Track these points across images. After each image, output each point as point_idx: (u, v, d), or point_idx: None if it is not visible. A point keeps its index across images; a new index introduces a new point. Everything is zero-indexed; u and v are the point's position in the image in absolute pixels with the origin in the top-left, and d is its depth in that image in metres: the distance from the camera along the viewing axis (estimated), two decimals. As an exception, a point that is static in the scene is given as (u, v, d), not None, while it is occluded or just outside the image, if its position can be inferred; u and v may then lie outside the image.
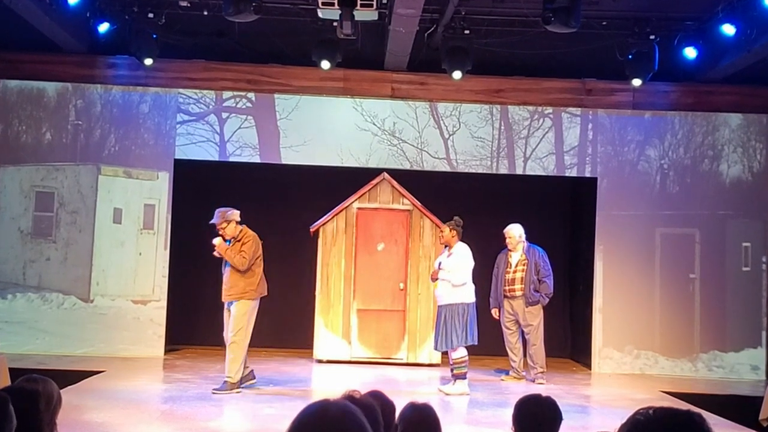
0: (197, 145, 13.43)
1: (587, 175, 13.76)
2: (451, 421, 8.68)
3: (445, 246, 10.91)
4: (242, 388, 10.20)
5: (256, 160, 13.57)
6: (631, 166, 13.70)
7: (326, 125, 13.47)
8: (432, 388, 10.98)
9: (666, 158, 13.68)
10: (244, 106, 13.56)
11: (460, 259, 10.59)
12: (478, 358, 12.20)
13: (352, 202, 12.95)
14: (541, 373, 11.85)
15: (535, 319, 11.90)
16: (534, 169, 13.68)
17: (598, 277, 13.46)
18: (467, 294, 10.56)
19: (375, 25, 12.13)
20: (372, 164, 13.44)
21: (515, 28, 12.21)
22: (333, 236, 12.97)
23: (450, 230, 10.70)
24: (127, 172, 13.33)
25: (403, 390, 10.53)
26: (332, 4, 10.59)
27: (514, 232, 11.98)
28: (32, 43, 12.70)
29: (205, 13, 12.07)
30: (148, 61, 12.41)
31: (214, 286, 14.27)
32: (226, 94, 13.52)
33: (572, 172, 13.80)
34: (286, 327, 14.12)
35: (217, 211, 10.33)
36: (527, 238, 12.06)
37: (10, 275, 13.12)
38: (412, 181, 13.27)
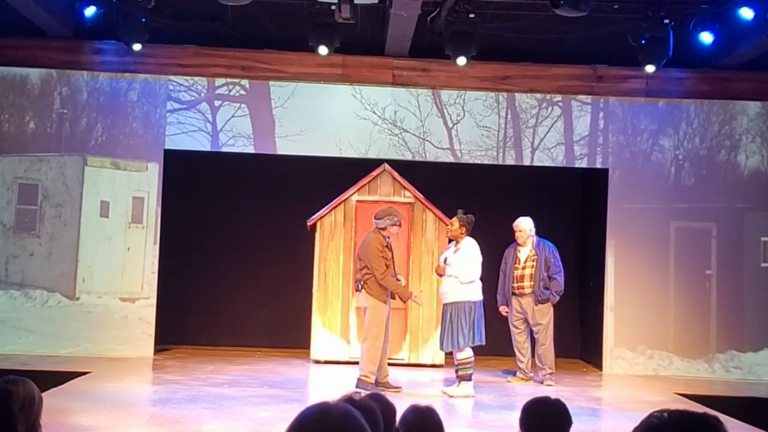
0: (188, 134, 13.43)
1: (598, 166, 13.75)
2: (455, 424, 8.69)
3: (451, 240, 10.92)
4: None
5: (250, 150, 13.57)
6: (644, 157, 13.69)
7: (324, 114, 13.46)
8: (435, 390, 10.99)
9: (681, 148, 13.67)
10: (237, 94, 13.56)
11: (467, 254, 10.58)
12: (484, 358, 12.20)
13: (351, 194, 12.95)
14: (550, 374, 11.86)
15: (544, 317, 11.90)
16: (542, 159, 13.68)
17: (610, 274, 13.46)
18: (474, 292, 10.55)
19: (375, 8, 12.14)
20: (372, 155, 13.44)
21: (522, 11, 12.21)
22: (331, 230, 12.97)
23: (459, 225, 10.67)
24: (114, 163, 13.32)
25: (405, 392, 10.56)
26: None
27: (525, 225, 11.97)
28: (14, 28, 12.68)
29: (197, -5, 12.08)
30: (137, 47, 12.40)
31: (206, 283, 14.36)
32: (219, 81, 13.51)
33: (582, 163, 13.80)
34: (282, 326, 14.15)
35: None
36: (535, 233, 12.07)
37: (-8, 271, 13.15)
38: (414, 172, 13.27)
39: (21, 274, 13.15)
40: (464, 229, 10.66)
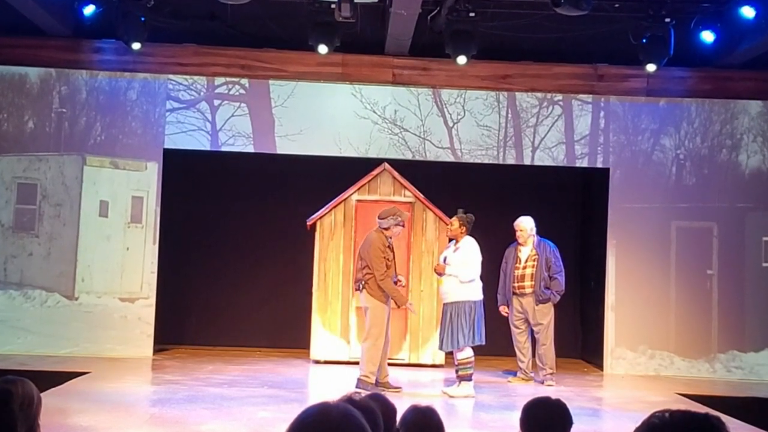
0: (188, 134, 13.42)
1: (599, 165, 13.75)
2: (455, 424, 8.68)
3: (451, 239, 10.91)
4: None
5: (250, 149, 13.57)
6: (645, 156, 13.69)
7: (324, 113, 13.46)
8: (435, 390, 10.99)
9: (682, 148, 13.67)
10: (237, 93, 13.55)
11: (467, 254, 10.57)
12: (485, 358, 12.20)
13: (351, 194, 12.95)
14: (551, 374, 11.85)
15: (545, 317, 11.89)
16: (543, 159, 13.68)
17: (611, 274, 13.46)
18: (474, 291, 10.55)
19: (375, 7, 12.14)
20: (372, 154, 13.43)
21: (523, 10, 12.20)
22: (331, 230, 12.97)
23: (459, 225, 10.66)
24: (113, 163, 13.32)
25: (405, 392, 10.56)
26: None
27: (526, 224, 11.96)
28: (13, 26, 12.68)
29: (196, -6, 12.07)
30: (136, 46, 12.40)
31: (206, 282, 14.36)
32: (218, 80, 13.51)
33: (583, 163, 13.80)
34: (281, 326, 14.14)
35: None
36: (536, 232, 12.06)
37: (-9, 271, 13.14)
38: (415, 171, 13.27)
39: (20, 273, 13.15)
40: (464, 229, 10.66)
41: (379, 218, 10.67)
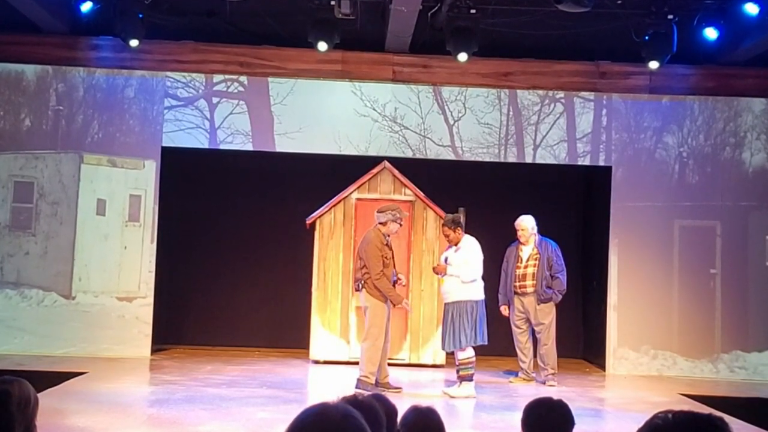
0: (186, 131, 13.42)
1: (601, 163, 13.75)
2: (456, 425, 8.69)
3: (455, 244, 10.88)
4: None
5: (249, 147, 13.56)
6: (647, 154, 13.69)
7: (323, 111, 13.45)
8: (436, 391, 10.99)
9: (685, 146, 13.67)
10: (235, 91, 13.55)
11: (469, 254, 10.57)
12: (486, 358, 12.21)
13: (351, 192, 12.94)
14: (552, 374, 11.86)
15: (546, 317, 11.89)
16: (544, 157, 13.67)
17: (613, 273, 13.46)
18: (476, 291, 10.55)
19: (375, 4, 12.14)
20: (372, 152, 13.43)
21: (524, 7, 12.20)
22: (330, 229, 12.97)
23: (454, 231, 10.64)
24: (111, 161, 13.31)
25: (406, 392, 10.56)
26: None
27: (527, 223, 11.95)
28: (10, 23, 12.68)
29: (195, -9, 12.06)
30: (134, 43, 12.39)
31: (204, 282, 14.36)
32: (217, 77, 13.50)
33: (585, 161, 13.79)
34: (280, 326, 14.15)
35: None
36: (537, 231, 12.06)
37: (-13, 270, 13.14)
38: (415, 170, 13.27)
39: (16, 273, 13.14)
40: (458, 230, 10.65)
41: (377, 212, 10.71)
